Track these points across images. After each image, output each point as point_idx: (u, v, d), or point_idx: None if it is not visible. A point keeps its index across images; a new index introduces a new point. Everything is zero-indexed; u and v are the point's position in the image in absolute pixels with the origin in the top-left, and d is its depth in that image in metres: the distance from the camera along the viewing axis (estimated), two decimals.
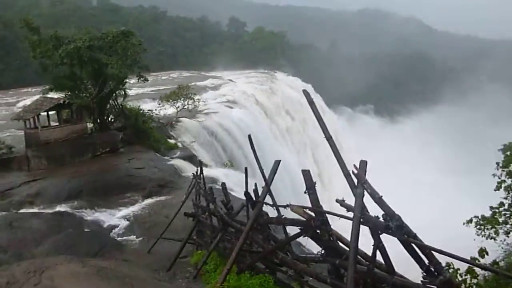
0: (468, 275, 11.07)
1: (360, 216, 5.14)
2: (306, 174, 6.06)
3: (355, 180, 5.25)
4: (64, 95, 25.20)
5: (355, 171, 5.18)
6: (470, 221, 14.97)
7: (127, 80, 26.62)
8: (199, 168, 13.84)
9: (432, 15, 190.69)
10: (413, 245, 4.91)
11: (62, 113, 26.31)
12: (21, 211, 18.12)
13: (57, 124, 26.23)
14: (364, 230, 5.45)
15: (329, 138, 5.42)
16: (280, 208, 7.99)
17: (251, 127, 35.71)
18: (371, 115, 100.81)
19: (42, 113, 25.27)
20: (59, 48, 23.71)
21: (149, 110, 31.05)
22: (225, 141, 33.17)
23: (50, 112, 26.04)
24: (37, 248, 14.46)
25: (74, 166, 23.54)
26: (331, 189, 37.71)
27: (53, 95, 25.87)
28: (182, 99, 37.53)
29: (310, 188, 6.05)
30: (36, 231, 15.82)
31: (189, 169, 23.49)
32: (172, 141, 30.14)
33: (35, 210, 18.19)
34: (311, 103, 5.44)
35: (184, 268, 12.60)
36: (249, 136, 8.42)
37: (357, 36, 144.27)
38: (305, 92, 5.54)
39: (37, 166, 23.67)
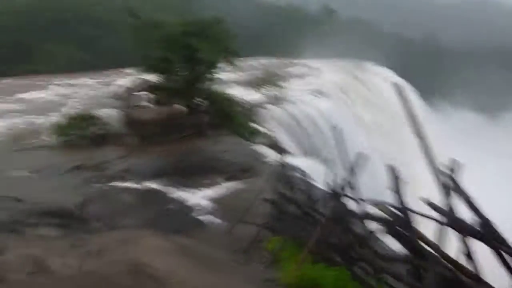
0: None
1: (447, 217, 4.89)
2: (391, 169, 5.87)
3: (444, 179, 4.99)
4: (157, 77, 26.47)
5: (444, 169, 4.92)
6: None
7: (219, 65, 27.30)
8: (281, 155, 13.92)
9: None
10: (504, 253, 4.59)
11: (154, 94, 27.66)
12: (113, 183, 19.34)
13: (149, 104, 27.63)
14: (451, 233, 5.18)
15: (418, 135, 5.19)
16: (361, 203, 7.84)
17: (336, 118, 35.23)
18: (471, 112, 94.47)
19: (136, 93, 26.73)
20: (156, 32, 24.91)
21: (235, 95, 31.63)
22: (309, 130, 33.01)
23: (143, 93, 27.48)
24: (125, 220, 15.39)
25: (163, 145, 24.63)
26: (416, 187, 36.17)
27: (147, 77, 27.27)
28: (268, 85, 37.89)
29: (395, 184, 5.85)
30: (125, 204, 16.86)
31: (271, 156, 23.67)
32: (256, 126, 30.49)
33: (125, 184, 19.31)
34: (402, 97, 5.23)
35: (260, 253, 12.76)
36: (335, 127, 8.31)
37: (457, 28, 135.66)
38: (396, 86, 5.33)
39: (129, 143, 25.15)
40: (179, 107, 27.87)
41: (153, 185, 19.29)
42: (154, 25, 25.36)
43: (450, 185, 4.82)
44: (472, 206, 4.63)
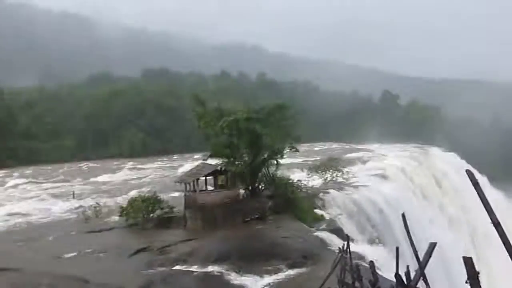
0: None
1: None
2: (468, 261, 5.50)
3: None
4: (221, 162, 27.20)
5: None
6: None
7: (284, 151, 27.70)
8: (345, 243, 13.51)
9: None
10: None
11: (218, 179, 28.25)
12: (175, 267, 19.40)
13: (213, 188, 28.17)
14: None
15: (497, 224, 4.91)
16: None
17: (401, 204, 34.08)
18: None
19: (201, 178, 27.47)
20: (220, 119, 26.00)
21: (298, 180, 31.66)
22: (374, 217, 32.00)
23: (208, 177, 28.18)
24: None
25: (225, 229, 24.70)
26: (494, 282, 33.38)
27: (211, 161, 28.07)
28: (331, 170, 37.76)
29: (472, 277, 5.46)
30: None
31: (335, 243, 22.97)
32: (319, 212, 30.04)
33: (187, 267, 19.33)
34: (476, 184, 5.04)
35: None
36: (403, 215, 8.01)
37: None
38: (469, 172, 5.17)
39: (193, 226, 25.46)
40: (242, 191, 28.19)
41: (215, 269, 19.19)
42: (219, 111, 26.53)
43: None
44: None
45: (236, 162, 27.13)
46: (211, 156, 27.89)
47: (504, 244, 4.76)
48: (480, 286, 5.46)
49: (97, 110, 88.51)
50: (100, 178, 51.43)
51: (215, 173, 27.62)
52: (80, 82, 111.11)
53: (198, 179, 26.96)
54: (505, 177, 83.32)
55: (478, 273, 5.54)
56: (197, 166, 28.81)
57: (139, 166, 59.68)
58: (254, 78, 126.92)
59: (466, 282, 5.61)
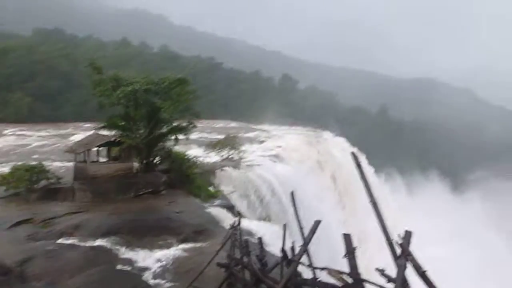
0: None
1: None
2: (347, 238, 5.91)
3: (398, 250, 5.06)
4: (116, 133, 26.19)
5: (399, 241, 4.99)
6: None
7: (188, 129, 27.27)
8: (236, 219, 13.79)
9: (486, 89, 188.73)
10: None
11: (112, 150, 27.24)
12: (60, 241, 18.47)
13: (106, 160, 27.11)
14: None
15: (374, 203, 5.29)
16: (315, 270, 7.77)
17: (293, 183, 35.45)
18: (419, 184, 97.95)
19: (93, 148, 26.25)
20: (117, 88, 24.92)
21: (194, 156, 31.56)
22: (266, 195, 32.99)
23: (100, 148, 27.01)
24: (70, 280, 14.59)
25: (116, 202, 23.99)
26: (370, 256, 36.34)
27: (106, 132, 26.92)
28: (227, 148, 38.14)
29: (350, 252, 5.87)
30: (71, 263, 16.03)
31: (227, 219, 23.38)
32: (213, 189, 30.30)
33: (73, 241, 18.49)
34: (358, 165, 5.38)
35: None
36: (292, 193, 8.36)
37: (408, 103, 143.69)
38: (353, 155, 5.49)
39: (82, 198, 24.34)
40: (136, 165, 27.48)
41: (103, 243, 18.55)
42: (116, 80, 25.39)
43: (403, 255, 4.88)
44: (426, 279, 4.67)
45: (132, 135, 26.31)
46: (105, 127, 26.72)
47: (378, 220, 5.15)
48: (355, 261, 5.90)
49: None
50: None
51: (109, 144, 26.58)
52: None
53: (89, 149, 25.77)
54: (386, 163, 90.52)
55: (355, 248, 5.97)
56: (90, 136, 27.53)
57: (25, 133, 55.31)
58: (157, 49, 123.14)
59: (344, 257, 6.03)
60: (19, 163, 27.19)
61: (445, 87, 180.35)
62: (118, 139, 25.93)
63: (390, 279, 5.16)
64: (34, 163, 26.97)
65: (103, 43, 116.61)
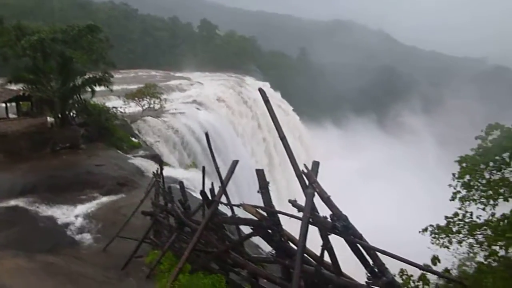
0: (421, 281, 11.30)
1: (309, 216, 5.19)
2: (260, 173, 6.09)
3: (307, 181, 5.31)
4: (24, 88, 24.54)
5: (306, 171, 5.23)
6: (426, 229, 15.26)
7: (105, 79, 25.97)
8: (158, 167, 13.71)
9: (400, 31, 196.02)
10: (358, 246, 4.99)
11: (21, 106, 25.60)
12: None
13: (16, 116, 25.49)
14: (314, 231, 5.50)
15: (283, 138, 5.47)
16: (235, 208, 8.00)
17: (217, 129, 35.61)
18: (338, 124, 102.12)
19: (1, 105, 24.53)
20: (22, 39, 23.09)
21: (113, 107, 30.47)
22: (190, 142, 32.91)
23: (9, 104, 25.28)
24: None
25: (32, 160, 22.85)
26: (288, 190, 37.99)
27: (13, 87, 25.14)
28: (148, 98, 37.24)
29: (263, 187, 6.08)
30: None
31: (151, 169, 23.11)
32: (135, 139, 29.69)
33: None
34: (266, 102, 5.47)
35: (139, 268, 12.42)
36: (206, 134, 8.42)
37: (327, 46, 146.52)
38: (261, 91, 5.57)
39: None
40: (50, 119, 26.11)
41: (20, 203, 17.76)
42: (19, 30, 23.46)
43: (311, 185, 5.14)
44: (330, 204, 4.98)
45: (43, 88, 24.74)
46: (11, 81, 24.88)
47: (287, 154, 5.35)
48: (269, 195, 6.14)
49: None
50: None
51: (18, 99, 24.92)
52: None
53: None
54: (307, 103, 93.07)
55: (268, 183, 6.20)
56: None
57: None
58: None
59: (258, 192, 6.24)
60: None
61: (361, 29, 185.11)
62: (27, 93, 24.34)
63: (300, 209, 5.44)
64: None
65: None
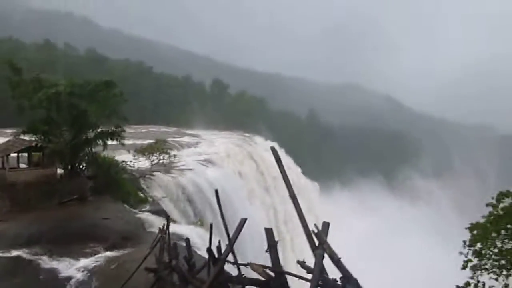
0: None
1: (319, 278, 5.10)
2: (269, 232, 6.05)
3: (315, 241, 5.26)
4: (37, 138, 24.95)
5: (316, 231, 5.20)
6: None
7: (119, 133, 26.40)
8: (165, 223, 13.63)
9: (408, 96, 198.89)
10: None
11: (33, 156, 25.92)
12: None
13: (27, 166, 25.76)
14: None
15: (293, 197, 5.48)
16: (242, 267, 7.88)
17: (225, 187, 35.55)
18: (346, 185, 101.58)
19: (12, 154, 24.86)
20: (39, 91, 23.76)
21: (123, 161, 30.74)
22: (197, 199, 32.83)
23: (21, 154, 25.63)
24: None
25: (39, 210, 22.85)
26: (297, 250, 37.33)
27: (26, 137, 25.57)
28: (157, 153, 37.58)
29: (272, 246, 6.02)
30: None
31: (157, 224, 22.94)
32: (143, 194, 29.68)
33: None
34: (278, 160, 5.54)
35: None
36: (216, 191, 8.43)
37: (335, 108, 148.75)
38: (273, 149, 5.65)
39: (0, 207, 22.93)
40: (60, 171, 26.32)
41: (23, 254, 17.60)
42: (38, 82, 24.19)
43: (320, 245, 5.08)
44: (341, 266, 4.90)
45: (55, 139, 25.16)
46: (26, 132, 25.32)
47: (297, 213, 5.34)
48: (277, 254, 6.06)
49: None
50: None
51: (30, 149, 25.28)
52: None
53: (8, 155, 24.35)
54: (315, 164, 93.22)
55: (277, 242, 6.13)
56: (8, 141, 26.02)
57: None
58: (83, 52, 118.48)
59: (266, 251, 6.16)
60: None
61: (370, 93, 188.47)
62: (39, 144, 24.71)
63: (309, 270, 5.35)
64: None
65: (24, 45, 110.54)
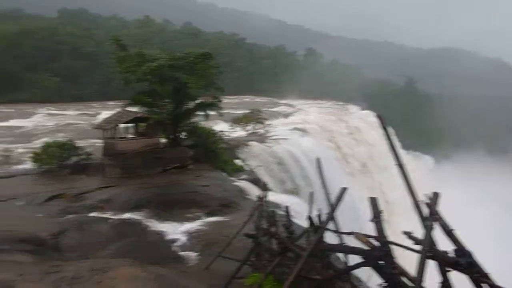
0: None
1: (428, 250, 4.90)
2: (373, 201, 5.90)
3: (426, 212, 5.04)
4: (142, 110, 26.50)
5: (427, 202, 4.97)
6: None
7: (217, 104, 27.36)
8: (264, 191, 13.87)
9: None
10: (484, 285, 4.59)
11: (139, 126, 27.63)
12: (92, 214, 18.98)
13: (133, 136, 27.54)
14: (432, 266, 5.18)
15: (400, 165, 5.26)
16: (342, 236, 7.82)
17: (318, 156, 35.42)
18: (447, 157, 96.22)
19: (120, 125, 26.67)
20: (142, 65, 25.05)
21: (220, 131, 31.76)
22: (292, 168, 33.08)
23: (128, 125, 27.43)
24: (102, 251, 15.04)
25: (144, 177, 24.43)
26: (396, 220, 36.35)
27: (132, 109, 27.26)
28: (252, 123, 38.24)
29: (376, 216, 5.88)
30: (103, 235, 16.52)
31: (253, 192, 23.60)
32: (239, 163, 30.51)
33: (104, 214, 18.98)
34: (384, 128, 5.33)
35: None
36: (318, 160, 8.37)
37: (434, 74, 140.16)
38: (379, 117, 5.45)
39: (111, 174, 24.88)
40: (162, 140, 27.82)
41: (133, 216, 18.98)
42: (141, 57, 25.52)
43: (430, 216, 4.86)
44: (453, 238, 4.66)
45: (158, 111, 26.57)
46: (131, 104, 27.03)
47: (404, 182, 5.13)
48: (382, 224, 5.91)
49: (5, 50, 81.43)
50: (11, 123, 48.23)
51: (136, 120, 26.95)
52: None
53: (117, 125, 26.17)
54: (411, 134, 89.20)
55: (381, 212, 5.97)
56: (117, 113, 27.88)
57: (54, 112, 56.63)
58: (179, 26, 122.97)
59: (371, 221, 6.04)
60: (51, 140, 27.94)
61: (471, 56, 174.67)
62: (144, 115, 26.25)
63: (417, 241, 5.16)
64: (64, 139, 27.67)
65: (126, 22, 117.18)
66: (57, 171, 25.24)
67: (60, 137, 32.71)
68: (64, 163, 25.57)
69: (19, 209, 19.54)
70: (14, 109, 57.85)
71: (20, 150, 31.38)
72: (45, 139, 32.04)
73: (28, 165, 26.70)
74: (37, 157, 25.60)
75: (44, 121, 48.85)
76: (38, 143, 31.36)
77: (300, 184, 31.83)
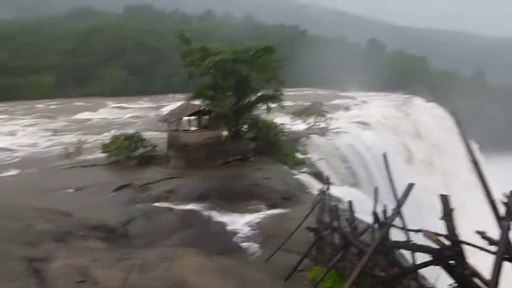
0: None
1: (504, 251, 4.68)
2: (444, 199, 5.71)
3: (502, 211, 4.81)
4: (204, 103, 27.04)
5: (504, 201, 4.74)
6: None
7: (279, 97, 27.52)
8: (325, 185, 13.77)
9: None
10: None
11: (201, 119, 28.24)
12: (157, 204, 19.68)
13: (196, 129, 28.19)
14: (507, 269, 4.94)
15: (475, 162, 5.05)
16: (409, 234, 7.61)
17: (381, 151, 34.62)
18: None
19: (184, 118, 27.39)
20: (206, 59, 25.55)
21: (281, 123, 31.80)
22: (353, 162, 32.58)
23: (191, 117, 28.11)
24: (167, 240, 15.58)
25: (207, 169, 24.95)
26: (466, 219, 34.90)
27: (195, 102, 27.89)
28: (313, 116, 37.96)
29: (447, 214, 5.67)
30: (168, 224, 17.10)
31: (315, 186, 23.46)
32: (300, 156, 30.42)
33: (169, 205, 19.62)
34: (458, 124, 5.13)
35: (301, 281, 12.56)
36: (384, 155, 8.17)
37: (505, 65, 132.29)
38: (453, 113, 5.25)
39: (175, 165, 25.65)
40: (225, 133, 28.27)
41: (196, 207, 19.49)
42: (204, 51, 26.02)
43: (507, 215, 4.63)
44: None
45: (221, 104, 27.00)
46: (194, 97, 27.65)
47: (479, 179, 4.92)
48: (453, 223, 5.70)
49: (78, 47, 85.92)
50: (81, 116, 50.91)
51: (199, 113, 27.54)
52: (60, 15, 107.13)
53: (181, 118, 26.87)
54: (481, 129, 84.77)
55: (453, 209, 5.76)
56: (180, 106, 28.61)
57: (121, 105, 59.09)
58: (240, 20, 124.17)
59: (442, 219, 5.83)
60: (119, 132, 29.22)
61: None
62: (207, 108, 26.78)
63: (492, 242, 4.94)
64: (131, 132, 28.84)
65: (188, 17, 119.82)
66: (124, 162, 26.36)
67: (127, 129, 34.10)
68: (131, 155, 26.65)
69: (90, 197, 20.63)
70: (84, 102, 60.96)
71: (90, 142, 33.05)
72: (113, 131, 33.55)
73: (98, 156, 28.08)
74: (106, 149, 26.87)
75: (112, 114, 51.13)
76: (106, 135, 32.88)
77: (362, 178, 31.31)
